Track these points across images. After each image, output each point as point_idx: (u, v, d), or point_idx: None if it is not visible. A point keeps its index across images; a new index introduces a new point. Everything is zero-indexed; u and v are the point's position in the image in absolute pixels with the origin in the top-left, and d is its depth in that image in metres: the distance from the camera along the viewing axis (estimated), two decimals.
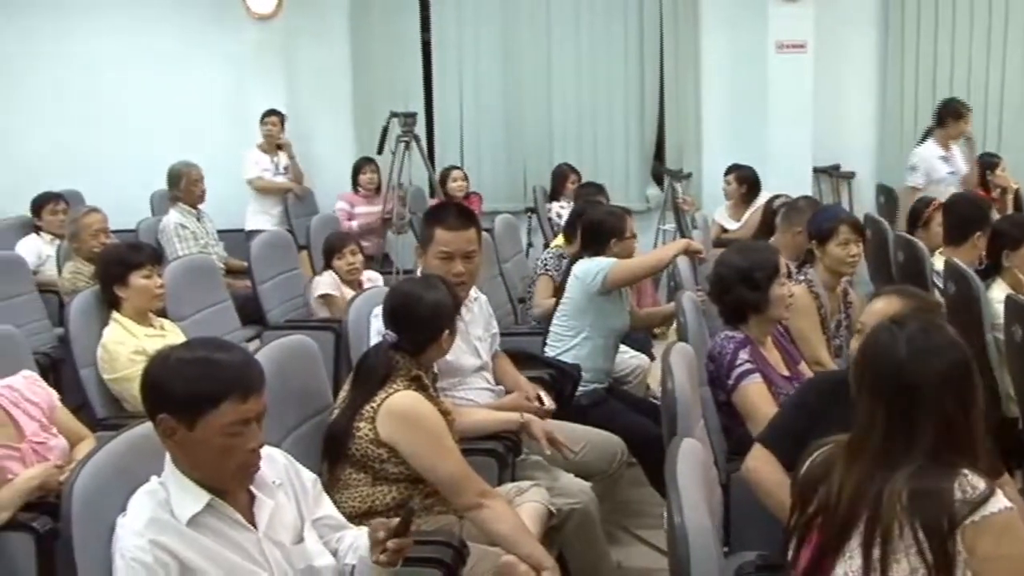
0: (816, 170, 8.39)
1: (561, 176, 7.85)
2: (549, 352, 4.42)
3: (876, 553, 1.91)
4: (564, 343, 4.42)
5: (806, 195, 6.13)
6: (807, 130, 8.14)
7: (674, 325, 4.75)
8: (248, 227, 7.90)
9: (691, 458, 2.22)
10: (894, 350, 2.02)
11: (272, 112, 8.21)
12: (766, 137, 8.12)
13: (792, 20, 8.04)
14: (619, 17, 8.69)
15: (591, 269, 4.36)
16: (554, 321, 4.52)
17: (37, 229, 6.86)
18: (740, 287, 3.52)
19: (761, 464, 2.82)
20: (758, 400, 3.33)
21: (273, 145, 8.18)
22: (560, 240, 5.61)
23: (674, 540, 2.02)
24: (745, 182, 7.47)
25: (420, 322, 3.07)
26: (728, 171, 7.61)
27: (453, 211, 3.75)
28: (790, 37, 8.04)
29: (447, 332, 3.11)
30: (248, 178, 8.11)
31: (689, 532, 2.00)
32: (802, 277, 4.33)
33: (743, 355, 3.41)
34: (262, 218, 8.05)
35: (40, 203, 6.91)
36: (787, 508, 2.17)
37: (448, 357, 3.35)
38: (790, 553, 2.06)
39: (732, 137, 8.42)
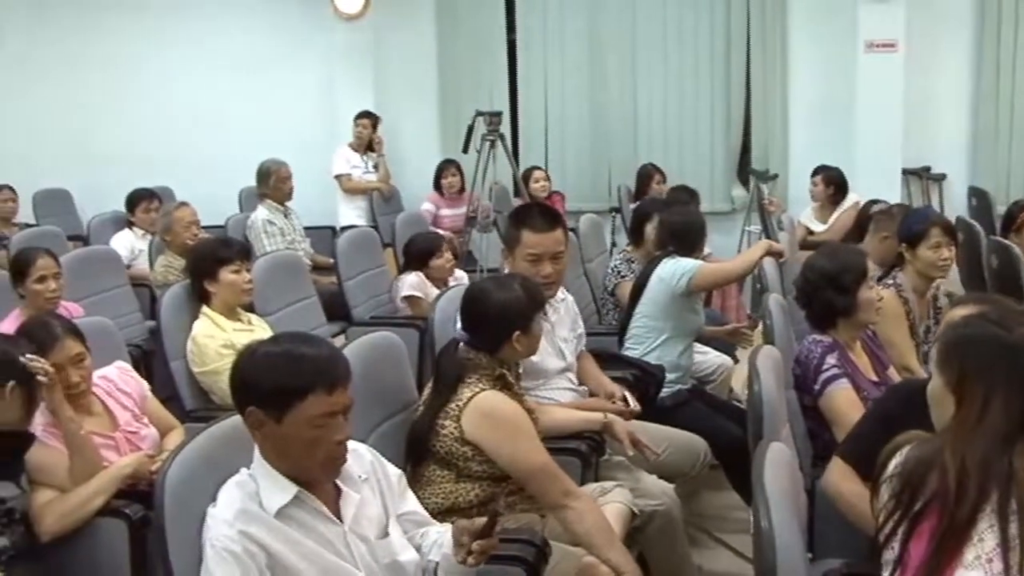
0: (905, 172, 8.24)
1: (646, 176, 7.81)
2: (629, 354, 4.40)
3: (1013, 529, 1.88)
4: (646, 344, 4.38)
5: (901, 203, 6.02)
6: (897, 131, 7.99)
7: (759, 327, 4.71)
8: (341, 223, 8.04)
9: (778, 462, 2.19)
10: (997, 333, 2.07)
11: (366, 114, 8.32)
12: (854, 138, 7.99)
13: (882, 19, 7.89)
14: (706, 16, 8.64)
15: (676, 271, 4.33)
16: (633, 322, 4.48)
17: (130, 224, 7.04)
18: (828, 291, 3.47)
19: (841, 479, 2.78)
20: (845, 406, 3.28)
21: (364, 144, 8.29)
22: None
23: (761, 545, 1.99)
24: (832, 184, 7.35)
25: (488, 321, 3.06)
26: (815, 172, 7.50)
27: (538, 212, 3.72)
28: (880, 36, 7.90)
29: (518, 333, 3.04)
30: (336, 174, 8.22)
31: (777, 537, 1.97)
32: (891, 281, 4.25)
33: (830, 360, 3.36)
34: (354, 213, 8.18)
35: (135, 200, 7.09)
36: (872, 520, 2.13)
37: (533, 358, 3.34)
38: (892, 552, 2.00)
39: (819, 138, 8.30)
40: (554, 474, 2.87)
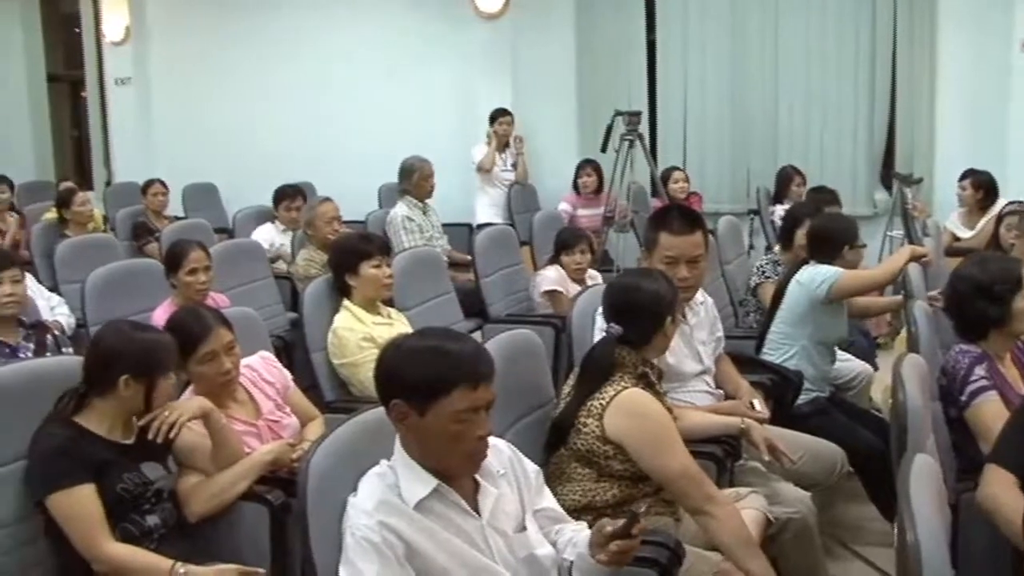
0: None
1: (786, 178, 7.69)
2: (766, 359, 4.33)
3: None
4: (782, 350, 4.31)
5: None
6: None
7: (900, 335, 4.58)
8: (478, 220, 8.13)
9: (925, 475, 2.13)
10: None
11: (505, 111, 8.36)
12: (1006, 141, 7.69)
13: None
14: (851, 14, 8.41)
15: (816, 276, 4.25)
16: (772, 328, 4.41)
17: (274, 218, 7.23)
18: (980, 301, 3.34)
19: (999, 489, 2.67)
20: (992, 419, 3.15)
21: (503, 143, 8.34)
22: None
23: (905, 560, 1.94)
24: (982, 188, 7.12)
25: (641, 311, 3.05)
26: (963, 176, 7.28)
27: (677, 214, 3.64)
28: None
29: (670, 319, 3.07)
30: (476, 161, 8.31)
31: (923, 552, 1.91)
32: None
33: (979, 371, 3.24)
34: (491, 211, 8.27)
35: (279, 197, 7.24)
36: None
37: (670, 360, 3.32)
38: None
39: (968, 140, 7.99)
40: (697, 478, 2.84)
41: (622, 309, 3.10)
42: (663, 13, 8.89)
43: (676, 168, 8.16)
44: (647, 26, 8.95)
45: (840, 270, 4.28)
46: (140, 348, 2.88)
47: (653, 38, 8.96)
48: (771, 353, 4.34)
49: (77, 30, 11.55)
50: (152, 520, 2.87)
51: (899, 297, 4.87)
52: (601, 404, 2.89)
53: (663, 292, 3.08)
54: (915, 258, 4.43)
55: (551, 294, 5.47)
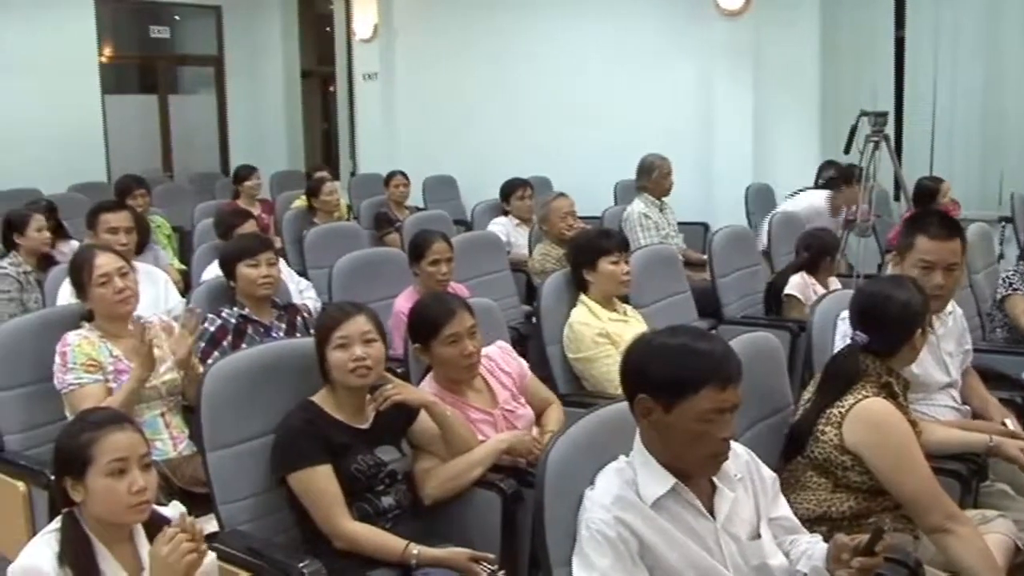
0: None
1: None
2: None
3: None
4: None
5: None
6: None
7: None
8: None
9: None
10: None
11: None
12: None
13: None
14: None
15: None
16: None
17: (506, 212, 7.34)
18: None
19: None
20: None
21: None
22: None
23: None
24: None
25: (890, 321, 2.96)
26: None
27: (938, 219, 3.52)
28: None
29: (919, 332, 2.97)
30: None
31: None
32: None
33: None
34: None
35: (508, 189, 7.35)
36: None
37: (915, 371, 3.21)
38: None
39: None
40: (938, 494, 2.74)
41: (870, 317, 3.02)
42: (913, 8, 8.48)
43: (940, 179, 7.70)
44: (896, 22, 8.58)
45: None
46: None
47: (902, 34, 8.58)
48: None
49: (329, 28, 12.11)
50: (387, 500, 2.99)
51: None
52: (840, 412, 2.83)
53: (914, 302, 2.98)
54: None
55: (788, 298, 5.33)
